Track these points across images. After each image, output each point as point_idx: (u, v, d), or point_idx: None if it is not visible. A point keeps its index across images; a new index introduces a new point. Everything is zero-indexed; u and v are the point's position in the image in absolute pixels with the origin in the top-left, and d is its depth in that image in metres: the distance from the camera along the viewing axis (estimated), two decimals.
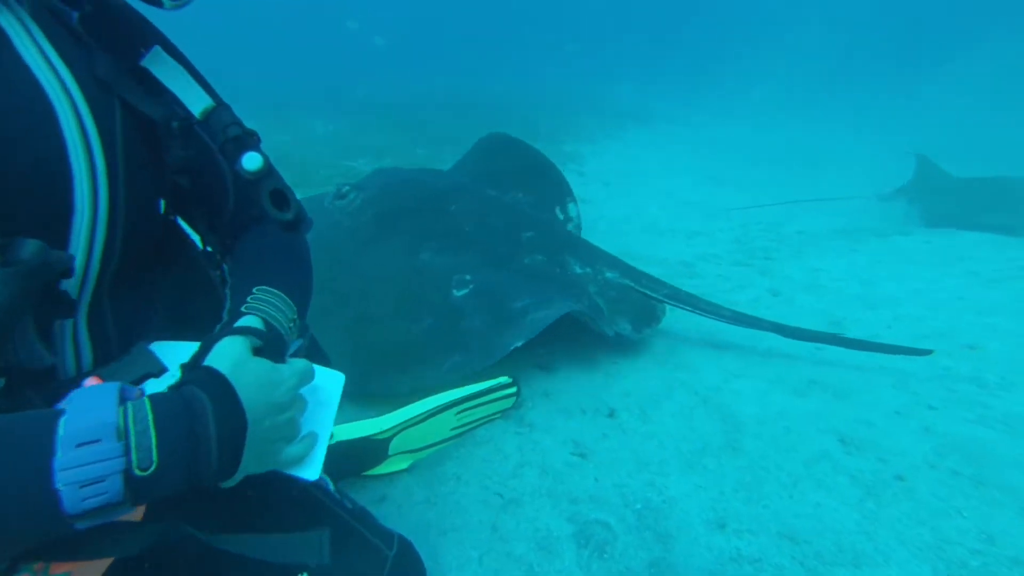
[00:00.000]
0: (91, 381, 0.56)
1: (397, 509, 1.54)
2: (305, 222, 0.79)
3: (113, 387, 0.53)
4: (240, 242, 0.85)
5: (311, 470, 0.68)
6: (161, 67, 0.71)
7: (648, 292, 2.48)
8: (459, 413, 1.77)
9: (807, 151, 6.86)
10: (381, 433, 1.57)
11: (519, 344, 1.98)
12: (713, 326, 2.56)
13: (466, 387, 1.84)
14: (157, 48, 0.71)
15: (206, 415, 0.55)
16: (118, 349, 0.68)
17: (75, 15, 0.68)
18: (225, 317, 0.71)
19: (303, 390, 0.70)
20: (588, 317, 2.17)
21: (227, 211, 0.84)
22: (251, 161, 0.72)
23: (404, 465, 1.63)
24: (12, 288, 0.49)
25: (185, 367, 0.62)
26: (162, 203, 0.79)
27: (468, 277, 2.24)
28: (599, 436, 1.94)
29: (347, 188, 2.63)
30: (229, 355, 0.61)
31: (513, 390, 1.94)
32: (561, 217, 3.15)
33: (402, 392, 1.86)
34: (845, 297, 3.09)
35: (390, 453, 1.59)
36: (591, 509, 1.62)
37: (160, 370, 0.64)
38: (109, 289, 0.66)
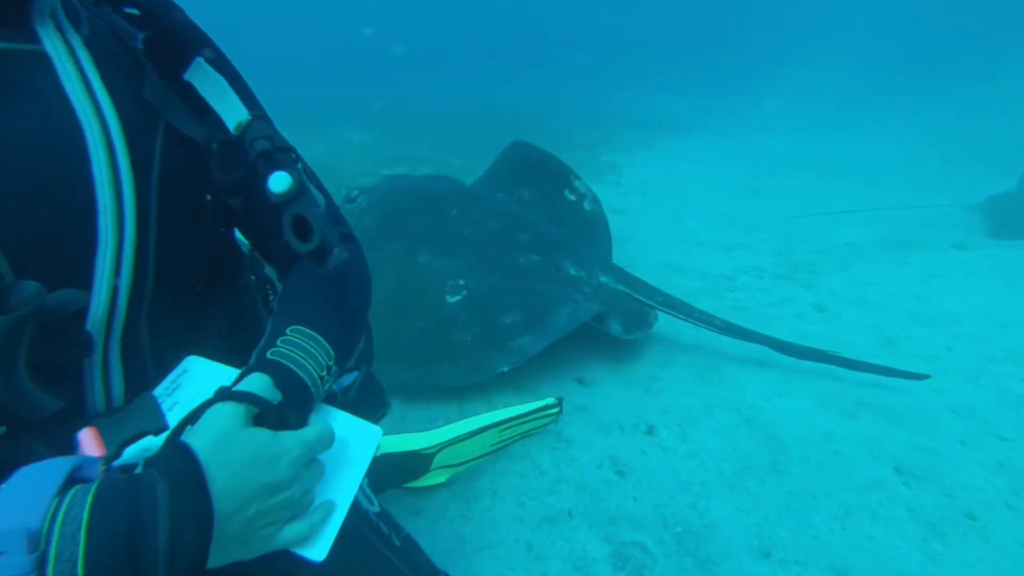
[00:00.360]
0: (86, 433, 0.50)
1: (432, 524, 1.54)
2: (332, 253, 0.68)
3: (61, 468, 0.45)
4: (293, 270, 0.76)
5: (318, 549, 0.57)
6: (202, 79, 0.66)
7: (642, 298, 2.49)
8: (502, 431, 1.76)
9: (842, 161, 6.61)
10: (427, 449, 1.58)
11: (505, 369, 2.05)
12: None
13: (513, 408, 1.85)
14: (199, 60, 0.67)
15: (156, 513, 0.45)
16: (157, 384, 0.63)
17: (140, 36, 0.65)
18: (252, 359, 0.63)
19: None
20: (590, 316, 2.23)
21: (283, 235, 0.75)
22: (278, 182, 0.63)
23: (443, 479, 1.63)
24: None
25: (166, 439, 0.53)
26: (211, 227, 0.73)
27: (462, 282, 2.29)
28: (638, 453, 1.89)
29: (356, 192, 2.75)
30: (213, 428, 0.52)
31: (556, 409, 1.92)
32: (573, 198, 3.17)
33: (387, 385, 1.90)
34: (897, 313, 2.94)
35: (432, 467, 1.60)
36: (629, 530, 1.58)
37: (159, 428, 0.55)
38: (146, 320, 0.62)
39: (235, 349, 0.69)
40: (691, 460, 1.88)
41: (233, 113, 0.66)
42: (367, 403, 0.84)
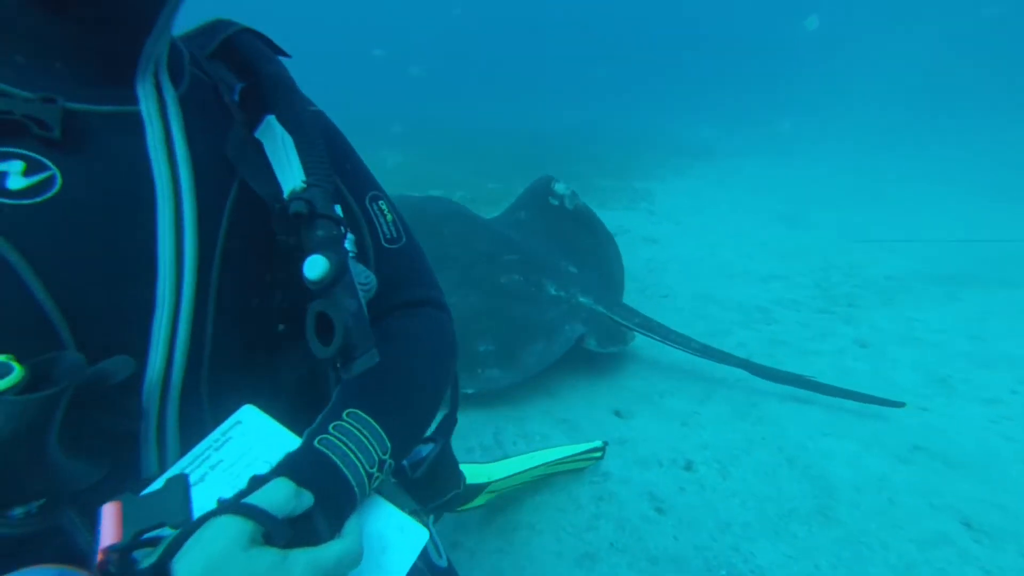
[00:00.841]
0: (108, 510, 0.46)
1: (470, 556, 1.52)
2: (358, 360, 0.57)
3: None
4: None
5: None
6: (270, 138, 0.62)
7: (619, 319, 2.55)
8: (549, 468, 1.76)
9: (878, 192, 6.43)
10: (486, 482, 1.59)
11: (470, 392, 2.15)
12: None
13: (563, 448, 1.85)
14: (269, 118, 0.63)
15: None
16: None
17: (239, 87, 0.64)
18: (303, 439, 0.57)
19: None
20: (561, 353, 2.32)
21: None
22: (313, 267, 0.55)
23: (482, 501, 1.62)
24: (24, 418, 0.42)
25: (153, 562, 0.46)
26: (279, 287, 0.65)
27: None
28: (676, 490, 1.84)
29: None
30: (208, 550, 0.45)
31: (599, 454, 1.91)
32: (556, 203, 3.28)
33: None
34: (950, 353, 2.81)
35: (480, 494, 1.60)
36: (671, 571, 1.53)
37: (182, 520, 0.48)
38: (207, 385, 0.59)
39: (305, 411, 0.64)
40: (732, 499, 1.82)
41: (290, 178, 0.60)
42: (438, 480, 0.74)
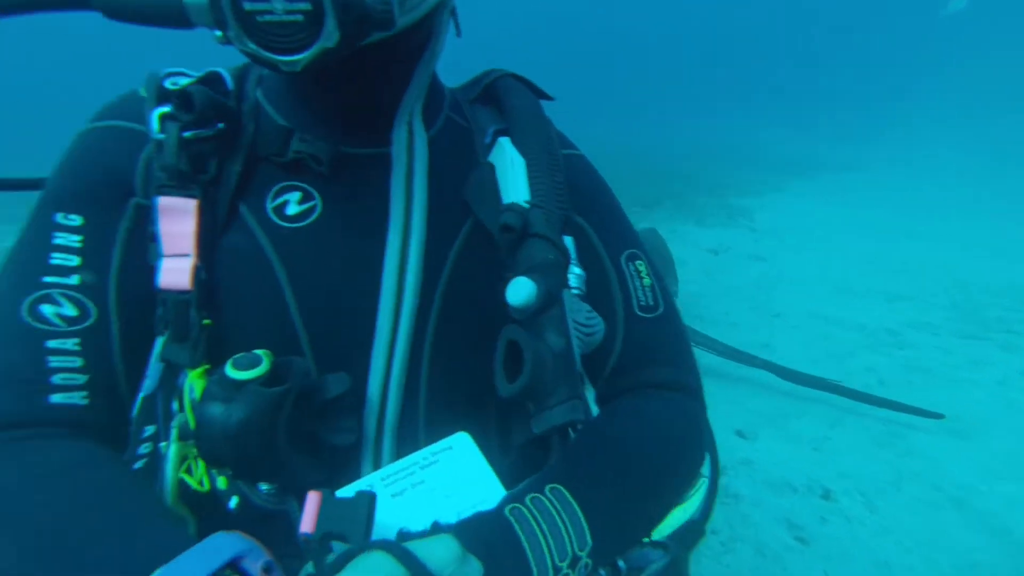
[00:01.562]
0: (312, 498, 0.46)
1: None
2: (555, 409, 0.52)
3: (218, 557, 0.39)
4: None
5: None
6: (499, 159, 0.61)
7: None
8: None
9: (985, 202, 5.69)
10: None
11: None
12: (951, 409, 2.12)
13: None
14: (503, 140, 0.62)
15: None
16: None
17: (492, 129, 0.64)
18: (501, 499, 0.51)
19: None
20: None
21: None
22: (516, 290, 0.50)
23: None
24: (259, 406, 0.46)
25: None
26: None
27: None
28: (817, 519, 1.67)
29: None
30: None
31: None
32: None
33: None
34: None
35: None
36: None
37: (356, 536, 0.45)
38: (424, 417, 0.58)
39: (531, 467, 0.58)
40: (885, 537, 1.62)
41: (514, 198, 0.57)
42: None
